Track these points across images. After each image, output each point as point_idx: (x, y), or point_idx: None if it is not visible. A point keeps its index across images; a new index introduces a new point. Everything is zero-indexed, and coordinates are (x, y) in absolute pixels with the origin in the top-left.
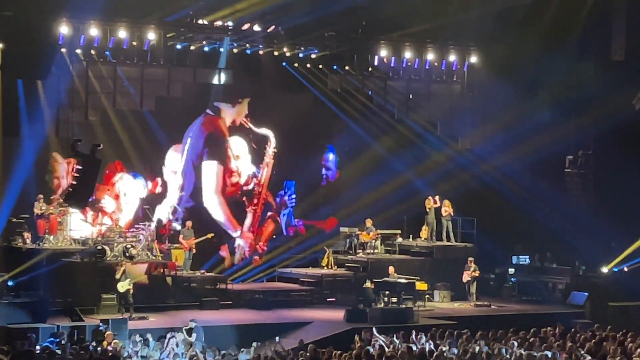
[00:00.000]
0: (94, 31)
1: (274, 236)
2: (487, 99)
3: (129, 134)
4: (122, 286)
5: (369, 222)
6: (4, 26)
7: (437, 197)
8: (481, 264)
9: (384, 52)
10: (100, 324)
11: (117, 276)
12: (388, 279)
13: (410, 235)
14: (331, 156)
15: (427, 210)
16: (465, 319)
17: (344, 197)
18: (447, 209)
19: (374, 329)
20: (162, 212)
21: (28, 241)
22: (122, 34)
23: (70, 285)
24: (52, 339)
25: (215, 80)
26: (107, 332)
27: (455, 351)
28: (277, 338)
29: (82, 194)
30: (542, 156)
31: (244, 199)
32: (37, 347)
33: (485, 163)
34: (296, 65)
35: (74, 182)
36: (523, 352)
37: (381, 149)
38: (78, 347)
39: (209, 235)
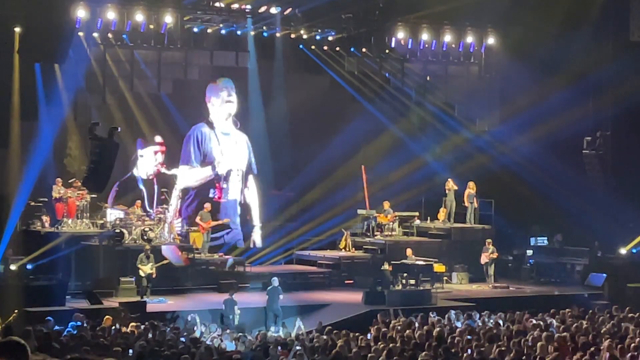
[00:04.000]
0: (111, 14)
1: None
2: (505, 81)
3: (147, 117)
4: (145, 269)
5: (386, 205)
6: (21, 10)
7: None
8: (499, 245)
9: (401, 34)
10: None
11: (140, 259)
12: (406, 261)
13: (428, 217)
14: None
15: (447, 192)
16: (483, 300)
17: (362, 179)
18: (471, 190)
19: (398, 311)
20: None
21: (47, 225)
22: (139, 17)
23: (88, 268)
24: (72, 322)
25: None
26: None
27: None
28: (297, 319)
29: (101, 178)
30: (560, 137)
31: None
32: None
33: (503, 145)
34: (313, 47)
35: (92, 166)
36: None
37: (398, 131)
38: (98, 330)
39: (226, 220)
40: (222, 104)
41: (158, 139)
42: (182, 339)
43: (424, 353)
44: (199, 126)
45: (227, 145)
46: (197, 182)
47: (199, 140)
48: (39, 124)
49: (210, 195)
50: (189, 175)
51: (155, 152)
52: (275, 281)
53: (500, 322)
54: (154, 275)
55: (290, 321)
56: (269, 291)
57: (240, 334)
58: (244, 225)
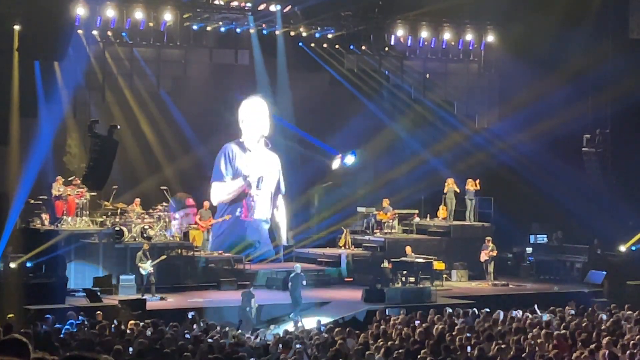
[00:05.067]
0: (110, 12)
1: None
2: (504, 78)
3: (146, 115)
4: (144, 267)
5: (385, 202)
6: (21, 8)
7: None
8: (499, 243)
9: (400, 32)
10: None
11: (139, 257)
12: (405, 259)
13: (428, 215)
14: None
15: (446, 190)
16: (483, 298)
17: (361, 176)
18: (470, 187)
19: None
20: None
21: (46, 222)
22: (139, 14)
23: (88, 266)
24: (71, 320)
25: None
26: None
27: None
28: (298, 317)
29: (100, 175)
30: (560, 135)
31: None
32: (56, 327)
33: (503, 142)
34: (313, 45)
35: (92, 164)
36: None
37: (398, 128)
38: (98, 328)
39: (227, 217)
40: (254, 125)
41: (190, 201)
42: (187, 336)
43: (423, 351)
44: (229, 144)
45: (257, 163)
46: (230, 195)
47: (230, 157)
48: (39, 121)
49: (237, 213)
50: (221, 190)
51: (187, 215)
52: (298, 268)
53: (500, 319)
54: (152, 273)
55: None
56: (292, 278)
57: (238, 331)
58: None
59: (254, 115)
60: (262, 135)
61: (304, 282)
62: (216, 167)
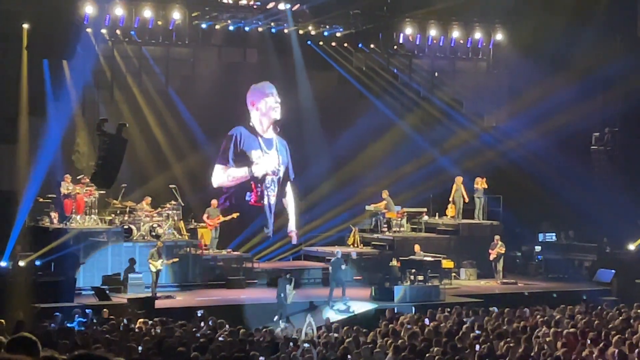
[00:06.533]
0: (119, 11)
1: None
2: (513, 76)
3: (155, 114)
4: (155, 266)
5: (385, 193)
6: (29, 6)
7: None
8: (507, 241)
9: (409, 30)
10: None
11: (151, 254)
12: (414, 257)
13: (436, 213)
14: None
15: (455, 189)
16: (491, 296)
17: (370, 175)
18: (477, 187)
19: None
20: None
21: (55, 221)
22: (147, 13)
23: (97, 264)
24: (80, 319)
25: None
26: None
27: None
28: (308, 316)
29: (109, 174)
30: (568, 133)
31: None
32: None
33: (511, 140)
34: (321, 43)
35: (100, 162)
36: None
37: (406, 126)
38: (107, 326)
39: (234, 215)
40: (269, 110)
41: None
42: (197, 335)
43: (436, 349)
44: (239, 128)
45: (267, 149)
46: (232, 182)
47: (239, 140)
48: (47, 120)
49: (247, 198)
50: (223, 174)
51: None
52: (339, 253)
53: (509, 318)
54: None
55: (299, 317)
56: (333, 263)
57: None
58: (277, 231)
59: (268, 99)
60: (273, 120)
61: (343, 267)
62: (223, 149)
